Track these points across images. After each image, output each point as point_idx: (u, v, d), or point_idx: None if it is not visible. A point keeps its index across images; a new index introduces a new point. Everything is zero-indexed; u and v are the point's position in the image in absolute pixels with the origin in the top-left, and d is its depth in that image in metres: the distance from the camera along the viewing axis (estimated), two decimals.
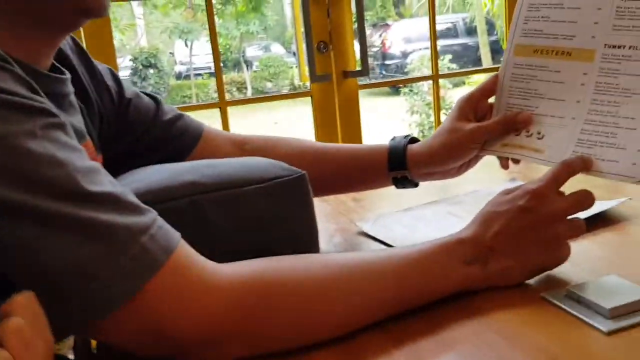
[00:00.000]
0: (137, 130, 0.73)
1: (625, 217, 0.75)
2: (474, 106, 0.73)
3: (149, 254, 0.45)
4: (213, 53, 1.87)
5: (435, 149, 0.73)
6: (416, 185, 0.78)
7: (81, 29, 1.68)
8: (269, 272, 0.50)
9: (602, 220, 0.73)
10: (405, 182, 0.76)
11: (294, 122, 9.32)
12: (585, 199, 0.57)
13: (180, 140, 0.76)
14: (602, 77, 0.62)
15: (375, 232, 0.78)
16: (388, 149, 0.76)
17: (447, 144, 0.72)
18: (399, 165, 0.75)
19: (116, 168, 0.65)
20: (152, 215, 0.47)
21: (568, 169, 0.59)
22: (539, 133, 0.67)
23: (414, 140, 0.77)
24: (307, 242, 0.62)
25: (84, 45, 1.69)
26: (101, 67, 0.72)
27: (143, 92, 0.76)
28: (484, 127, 0.70)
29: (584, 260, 0.62)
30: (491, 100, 0.73)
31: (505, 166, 0.73)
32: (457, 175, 0.76)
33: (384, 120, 9.03)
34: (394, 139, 0.77)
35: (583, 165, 0.60)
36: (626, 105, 0.60)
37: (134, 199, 0.47)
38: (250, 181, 0.59)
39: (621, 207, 0.77)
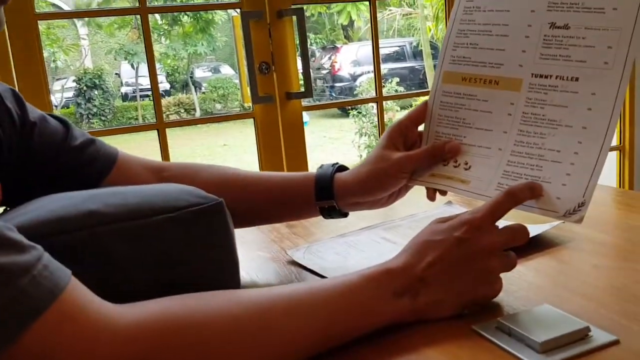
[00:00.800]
0: (43, 156, 0.66)
1: (559, 241, 0.73)
2: (403, 134, 0.70)
3: (29, 298, 0.39)
4: (150, 74, 1.81)
5: (362, 179, 0.69)
6: (345, 215, 0.74)
7: (8, 47, 1.59)
8: (172, 313, 0.45)
9: (536, 245, 0.71)
10: (333, 212, 0.72)
11: (243, 144, 9.25)
12: (520, 233, 0.55)
13: (91, 167, 0.69)
14: (529, 107, 0.60)
15: (307, 262, 0.74)
16: (315, 178, 0.72)
17: (374, 173, 0.68)
18: (326, 195, 0.70)
19: (20, 198, 0.59)
20: (36, 253, 0.41)
21: (511, 199, 0.56)
22: (466, 164, 0.65)
23: (342, 168, 0.73)
24: (225, 277, 0.57)
25: (12, 65, 1.62)
26: (1, 87, 0.66)
27: (51, 116, 0.70)
28: (412, 156, 0.68)
29: (517, 287, 0.60)
30: (421, 128, 0.71)
31: (431, 198, 0.70)
32: (386, 205, 0.73)
33: (333, 142, 9.08)
34: (321, 167, 0.73)
35: (531, 193, 0.57)
36: (552, 137, 0.58)
37: (14, 234, 0.41)
38: (160, 210, 0.53)
39: (555, 230, 0.76)
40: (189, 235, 0.54)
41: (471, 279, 0.54)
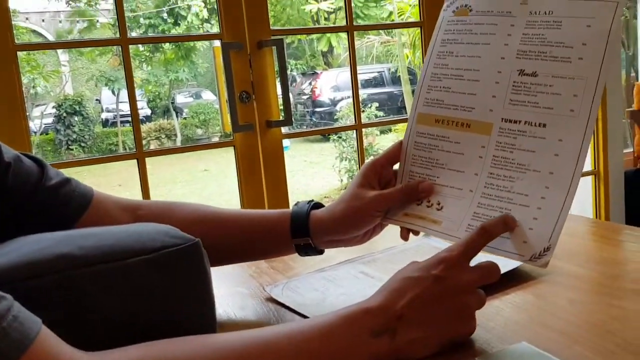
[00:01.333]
0: (18, 197, 0.65)
1: (535, 275, 0.74)
2: (378, 173, 0.71)
3: None
4: (130, 103, 1.80)
5: (337, 216, 0.70)
6: (321, 252, 0.74)
7: None
8: None
9: (513, 279, 0.72)
10: (308, 249, 0.72)
11: (224, 170, 9.21)
12: (493, 270, 0.56)
13: (66, 207, 0.69)
14: (499, 150, 0.62)
15: (285, 299, 0.73)
16: (291, 215, 0.72)
17: (349, 211, 0.69)
18: (302, 233, 0.71)
19: None
20: (6, 304, 0.41)
21: (485, 235, 0.57)
22: (438, 204, 0.65)
23: (317, 205, 0.74)
24: (202, 320, 0.57)
25: None
26: None
27: (26, 155, 0.69)
28: (386, 195, 0.68)
29: (495, 324, 0.60)
30: (396, 167, 0.72)
31: (404, 237, 0.70)
32: (361, 243, 0.73)
33: (314, 166, 9.10)
34: (297, 204, 0.74)
35: (504, 227, 0.58)
36: (520, 181, 0.59)
37: None
38: (135, 252, 0.53)
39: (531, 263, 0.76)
40: (164, 277, 0.53)
41: (449, 317, 0.54)
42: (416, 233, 0.69)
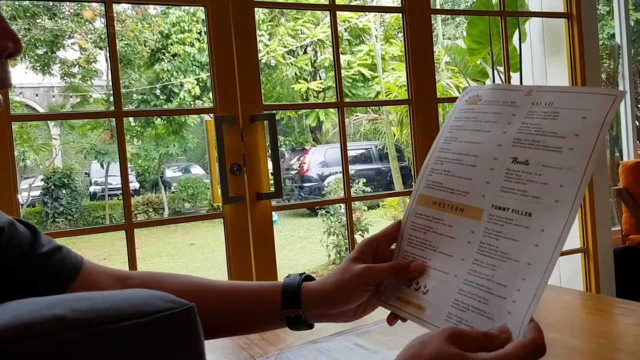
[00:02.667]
0: (10, 262, 0.65)
1: None
2: (374, 250, 0.70)
3: None
4: (121, 175, 1.81)
5: (328, 289, 0.69)
6: (311, 326, 0.72)
7: None
8: None
9: None
10: (299, 322, 0.71)
11: (210, 244, 9.13)
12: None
13: (57, 275, 0.68)
14: (486, 237, 0.61)
15: None
16: (282, 286, 0.71)
17: (339, 283, 0.68)
18: (293, 304, 0.70)
19: None
20: None
21: (539, 351, 0.52)
22: (425, 287, 0.65)
23: (309, 278, 0.73)
24: None
25: None
26: None
27: (21, 221, 0.69)
28: (376, 268, 0.67)
29: None
30: (393, 246, 0.72)
31: (390, 322, 0.69)
32: (352, 319, 0.71)
33: (302, 241, 9.05)
34: (288, 276, 0.73)
35: (499, 344, 0.53)
36: (501, 270, 0.58)
37: None
38: (128, 315, 0.51)
39: None
40: (158, 342, 0.52)
41: None
42: (404, 319, 0.67)
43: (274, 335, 0.85)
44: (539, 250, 0.56)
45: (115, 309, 0.51)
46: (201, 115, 12.29)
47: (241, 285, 0.75)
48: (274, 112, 1.95)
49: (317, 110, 12.61)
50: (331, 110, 12.47)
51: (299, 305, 0.69)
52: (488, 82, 3.59)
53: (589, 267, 2.53)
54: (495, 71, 3.04)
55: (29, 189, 12.10)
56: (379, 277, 0.67)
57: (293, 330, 0.72)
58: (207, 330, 0.63)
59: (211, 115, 1.92)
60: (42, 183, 11.96)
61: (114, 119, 1.81)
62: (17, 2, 10.43)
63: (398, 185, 9.47)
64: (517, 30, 2.79)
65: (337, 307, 0.69)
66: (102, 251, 8.75)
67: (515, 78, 2.82)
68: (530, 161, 0.61)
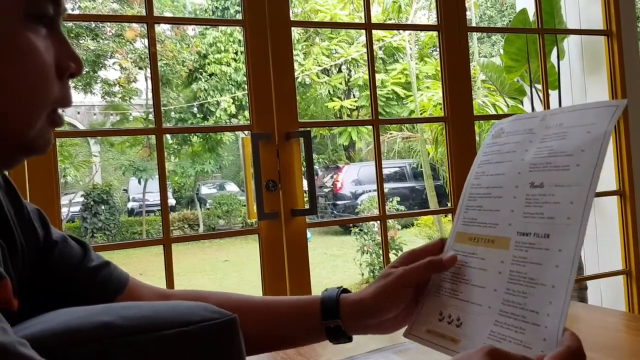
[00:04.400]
0: (60, 275, 0.68)
1: None
2: (412, 261, 0.71)
3: None
4: (160, 190, 1.85)
5: (367, 297, 0.70)
6: (350, 339, 0.73)
7: (25, 164, 1.65)
8: None
9: None
10: (339, 334, 0.71)
11: (244, 261, 9.19)
12: None
13: (104, 289, 0.71)
14: (515, 265, 0.61)
15: None
16: (320, 299, 0.72)
17: (378, 290, 0.69)
18: (332, 315, 0.71)
19: (33, 314, 0.59)
20: None
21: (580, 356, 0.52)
22: (458, 319, 0.65)
23: (346, 291, 0.74)
24: None
25: (27, 178, 1.66)
26: (30, 207, 0.69)
27: (72, 237, 0.73)
28: (412, 267, 0.69)
29: None
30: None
31: None
32: (392, 329, 0.72)
33: (335, 259, 9.02)
34: (326, 290, 0.74)
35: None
36: (532, 296, 0.58)
37: (26, 350, 0.41)
38: (173, 324, 0.52)
39: None
40: (201, 350, 0.53)
41: None
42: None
43: (311, 350, 0.85)
44: (560, 271, 0.56)
45: (161, 317, 0.53)
46: (236, 133, 12.46)
47: (280, 299, 0.76)
48: (309, 129, 1.97)
49: (350, 130, 12.64)
50: (364, 130, 12.47)
51: (338, 316, 0.70)
52: (526, 100, 3.55)
53: (631, 289, 2.45)
54: (533, 89, 3.00)
55: (69, 205, 12.44)
56: (416, 275, 0.69)
57: (333, 344, 0.72)
58: (247, 346, 0.64)
59: (247, 132, 1.95)
60: (81, 199, 12.28)
61: (154, 136, 1.85)
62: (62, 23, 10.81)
63: (433, 204, 9.37)
64: (555, 48, 2.75)
65: (377, 315, 0.69)
66: (138, 267, 8.90)
67: (553, 96, 2.78)
68: (544, 183, 0.62)
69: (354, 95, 13.82)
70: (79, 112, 15.44)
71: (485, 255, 0.65)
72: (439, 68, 2.24)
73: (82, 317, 0.52)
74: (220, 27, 12.44)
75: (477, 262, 0.66)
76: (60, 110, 0.58)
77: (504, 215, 0.65)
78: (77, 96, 13.52)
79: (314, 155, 13.62)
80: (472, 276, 0.66)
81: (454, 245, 0.71)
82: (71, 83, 0.59)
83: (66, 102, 0.57)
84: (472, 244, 0.68)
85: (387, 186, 10.88)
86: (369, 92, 2.12)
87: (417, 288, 0.70)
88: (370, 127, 2.16)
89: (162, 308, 0.55)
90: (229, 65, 12.64)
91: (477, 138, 3.35)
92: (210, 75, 12.70)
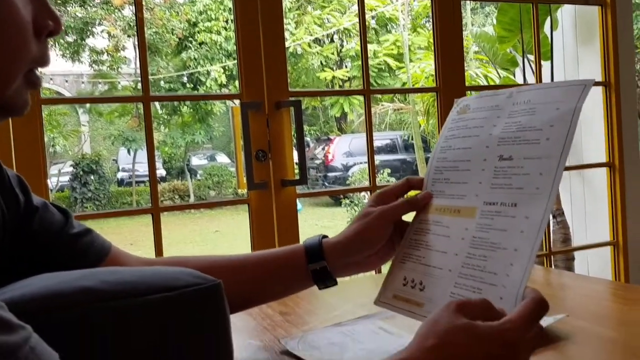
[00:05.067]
0: (40, 241, 0.67)
1: (563, 336, 0.71)
2: (385, 202, 0.74)
3: None
4: (148, 160, 1.83)
5: (349, 237, 0.72)
6: (335, 282, 0.74)
7: (10, 129, 1.62)
8: None
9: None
10: (325, 277, 0.73)
11: (234, 231, 9.21)
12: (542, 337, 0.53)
13: (85, 256, 0.70)
14: (478, 231, 0.64)
15: (302, 352, 0.71)
16: (304, 245, 0.74)
17: (359, 228, 0.72)
18: (317, 257, 0.72)
19: (13, 280, 0.57)
20: (24, 334, 0.39)
21: (545, 307, 0.52)
22: (421, 283, 0.67)
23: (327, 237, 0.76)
24: None
25: (12, 147, 1.63)
26: (10, 173, 0.67)
27: (53, 204, 0.71)
28: (391, 206, 0.72)
29: None
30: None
31: None
32: (376, 266, 0.75)
33: (326, 230, 9.07)
34: (307, 239, 0.76)
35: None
36: (491, 259, 0.61)
37: (3, 313, 0.39)
38: (156, 289, 0.52)
39: (559, 324, 0.73)
40: (185, 316, 0.52)
41: None
42: None
43: (297, 318, 0.85)
44: (524, 236, 0.59)
45: (145, 283, 0.52)
46: (227, 103, 12.35)
47: (263, 254, 0.77)
48: (300, 98, 1.95)
49: (342, 101, 12.55)
50: (356, 101, 12.40)
51: (323, 258, 0.72)
52: (518, 71, 3.52)
53: (618, 260, 2.47)
54: (526, 59, 2.98)
55: (58, 175, 12.35)
56: (395, 211, 0.72)
57: (320, 288, 0.74)
58: (235, 302, 0.64)
59: (237, 101, 1.92)
60: (71, 169, 12.19)
61: (142, 105, 1.82)
62: None
63: (423, 176, 9.39)
64: (548, 18, 2.73)
65: (360, 252, 0.72)
66: (129, 237, 8.90)
67: (546, 66, 2.76)
68: (513, 156, 0.64)
69: (346, 66, 13.70)
70: (67, 81, 15.22)
71: (450, 223, 0.68)
72: (431, 40, 2.21)
73: (63, 281, 0.51)
74: None
75: (441, 229, 0.69)
76: (37, 71, 0.56)
77: (472, 187, 0.68)
78: (64, 64, 13.31)
79: (305, 127, 13.55)
80: (435, 242, 0.69)
81: (421, 216, 0.73)
82: (52, 45, 0.57)
83: (44, 61, 0.55)
84: (438, 213, 0.71)
85: (378, 158, 10.87)
86: (361, 63, 2.09)
87: (395, 225, 0.73)
88: (362, 99, 2.14)
89: (146, 273, 0.54)
90: (219, 33, 12.44)
91: None
92: (200, 44, 12.51)
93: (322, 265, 0.72)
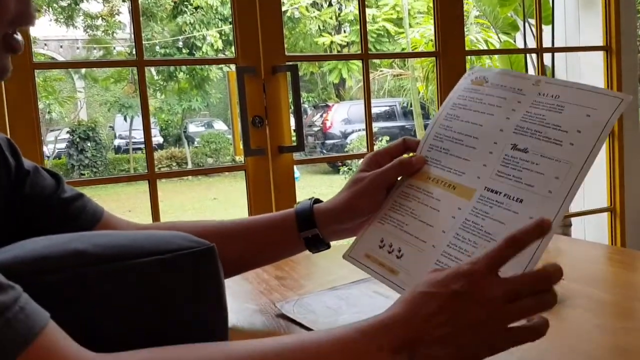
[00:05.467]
0: (32, 205, 0.67)
1: (559, 299, 0.71)
2: (379, 163, 0.72)
3: (1, 342, 0.36)
4: (144, 125, 1.81)
5: (340, 203, 0.71)
6: (328, 246, 0.74)
7: (4, 95, 1.59)
8: None
9: None
10: (317, 242, 0.72)
11: (232, 199, 9.23)
12: (528, 283, 0.52)
13: (76, 221, 0.69)
14: (472, 215, 0.62)
15: (297, 315, 0.71)
16: (295, 211, 0.73)
17: (350, 195, 0.71)
18: (308, 225, 0.72)
19: (3, 244, 0.57)
20: (14, 294, 0.39)
21: (515, 245, 0.52)
22: (399, 251, 0.65)
23: (319, 201, 0.75)
24: (214, 326, 0.54)
25: (6, 113, 1.61)
26: (0, 136, 0.66)
27: (44, 169, 0.71)
28: (383, 170, 0.70)
29: (517, 347, 0.57)
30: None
31: None
32: None
33: (324, 198, 9.09)
34: (298, 203, 0.75)
35: (539, 232, 0.52)
36: (483, 249, 0.57)
37: None
38: (149, 252, 0.51)
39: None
40: (178, 279, 0.52)
41: (473, 334, 0.50)
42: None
43: (293, 282, 0.85)
44: None
45: (137, 246, 0.51)
46: (224, 69, 12.21)
47: (255, 218, 0.76)
48: (297, 63, 1.92)
49: (341, 66, 12.40)
50: (354, 67, 12.26)
51: (315, 225, 0.71)
52: (518, 35, 3.47)
53: (615, 226, 2.48)
54: (527, 24, 2.94)
55: (54, 141, 12.30)
56: (387, 176, 0.70)
57: (312, 252, 0.74)
58: (228, 267, 0.64)
59: (233, 66, 1.89)
60: (67, 135, 12.13)
61: (136, 71, 1.79)
62: None
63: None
64: None
65: (352, 218, 0.71)
66: (127, 203, 8.91)
67: (546, 31, 2.72)
68: (529, 150, 0.61)
69: (344, 31, 13.51)
70: (61, 46, 15.01)
71: (442, 197, 0.66)
72: (431, 4, 2.17)
73: (55, 244, 0.50)
74: None
75: (431, 201, 0.66)
76: (17, 35, 0.54)
77: (474, 166, 0.65)
78: (58, 30, 13.10)
79: (303, 94, 13.45)
80: (422, 213, 0.66)
81: (410, 180, 0.70)
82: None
83: (27, 19, 0.53)
84: (430, 183, 0.68)
85: (377, 125, 10.82)
86: (359, 27, 2.05)
87: (388, 189, 0.71)
88: (360, 64, 2.10)
89: (138, 237, 0.53)
90: None
91: None
92: (196, 8, 12.29)
93: (314, 232, 0.72)
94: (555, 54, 2.80)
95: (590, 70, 2.59)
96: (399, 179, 0.72)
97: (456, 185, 0.65)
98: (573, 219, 2.72)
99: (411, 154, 0.72)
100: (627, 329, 0.62)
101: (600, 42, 2.40)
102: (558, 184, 0.57)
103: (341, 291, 0.79)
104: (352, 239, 0.72)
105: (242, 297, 0.81)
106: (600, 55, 2.41)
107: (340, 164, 9.66)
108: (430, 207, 0.66)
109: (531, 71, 3.03)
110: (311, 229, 0.72)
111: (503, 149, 0.63)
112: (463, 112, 0.70)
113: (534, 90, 0.65)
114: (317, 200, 0.75)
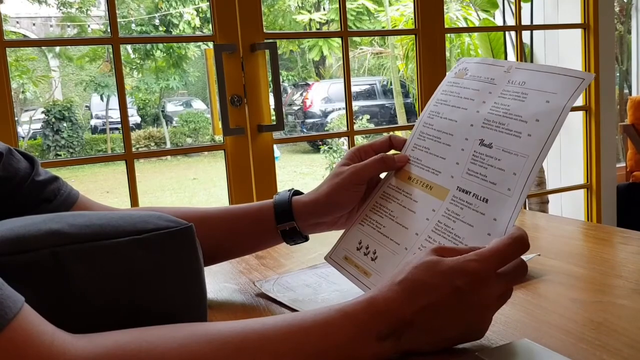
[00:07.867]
0: (5, 188, 0.65)
1: (535, 274, 0.72)
2: (362, 157, 0.71)
3: None
4: (120, 104, 1.78)
5: (319, 197, 0.70)
6: (306, 238, 0.73)
7: None
8: (131, 347, 0.42)
9: None
10: (294, 235, 0.72)
11: (212, 178, 9.17)
12: (520, 271, 0.52)
13: (51, 203, 0.68)
14: (444, 218, 0.60)
15: (277, 294, 0.71)
16: (273, 203, 0.72)
17: (330, 189, 0.69)
18: (286, 217, 0.71)
19: None
20: None
21: (523, 247, 0.51)
22: (374, 253, 0.64)
23: (298, 193, 0.74)
24: (192, 307, 0.54)
25: None
26: None
27: (18, 151, 0.69)
28: (364, 164, 0.69)
29: (494, 321, 0.58)
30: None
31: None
32: (346, 225, 0.72)
33: (304, 177, 9.08)
34: (278, 193, 0.73)
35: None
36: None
37: None
38: (125, 232, 0.50)
39: (530, 263, 0.74)
40: (155, 259, 0.51)
41: (463, 327, 0.51)
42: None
43: (273, 261, 0.85)
44: (490, 240, 0.53)
45: (113, 226, 0.50)
46: (202, 47, 12.03)
47: (233, 208, 0.75)
48: (275, 40, 1.89)
49: (321, 43, 12.30)
50: (335, 44, 12.17)
51: (292, 218, 0.70)
52: (498, 13, 3.47)
53: (591, 203, 2.53)
54: (506, 1, 2.93)
55: (29, 122, 12.05)
56: (368, 171, 0.69)
57: (290, 245, 0.73)
58: (205, 256, 0.63)
59: (210, 43, 1.86)
60: (42, 116, 11.88)
61: (112, 49, 1.75)
62: None
63: (402, 121, 9.40)
64: None
65: (330, 213, 0.70)
66: (104, 185, 8.81)
67: (526, 8, 2.72)
68: (493, 145, 0.59)
69: (323, 9, 13.37)
70: (34, 24, 14.62)
71: (419, 198, 0.64)
72: None
73: (29, 224, 0.49)
74: None
75: (409, 202, 0.65)
76: None
77: (448, 165, 0.63)
78: (31, 7, 12.74)
79: (283, 72, 13.35)
80: (399, 214, 0.65)
81: (392, 180, 0.69)
82: None
83: None
84: (409, 183, 0.66)
85: (357, 104, 10.80)
86: (338, 5, 2.03)
87: (368, 184, 0.71)
88: (340, 42, 2.08)
89: (114, 217, 0.52)
90: None
91: (447, 54, 3.29)
92: None
93: (291, 225, 0.71)
94: (535, 32, 2.81)
95: (568, 48, 2.60)
96: (382, 177, 0.71)
97: (433, 185, 0.63)
98: (550, 196, 2.76)
99: (394, 152, 0.71)
100: (602, 303, 0.63)
101: (578, 19, 2.41)
102: (515, 179, 0.55)
103: (321, 269, 0.79)
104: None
105: (222, 277, 0.80)
106: (578, 33, 2.42)
107: (320, 142, 9.63)
108: (407, 209, 0.64)
109: (510, 49, 3.03)
110: (289, 222, 0.70)
111: (472, 145, 0.61)
112: (444, 108, 0.68)
113: (505, 79, 0.62)
114: (297, 192, 0.74)
